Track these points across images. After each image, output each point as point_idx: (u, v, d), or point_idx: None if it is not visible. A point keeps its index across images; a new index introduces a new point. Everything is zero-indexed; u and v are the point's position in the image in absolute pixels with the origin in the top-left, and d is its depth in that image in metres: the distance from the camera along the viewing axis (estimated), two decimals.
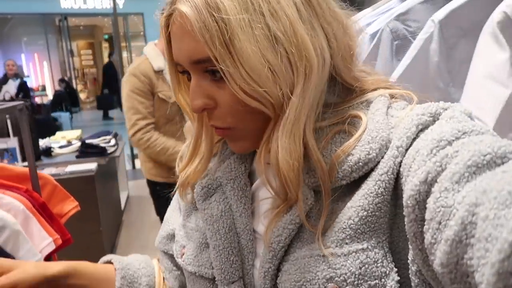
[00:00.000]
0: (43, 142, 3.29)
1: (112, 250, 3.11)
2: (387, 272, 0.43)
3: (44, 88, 10.98)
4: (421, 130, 0.44)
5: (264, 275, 0.49)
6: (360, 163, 0.45)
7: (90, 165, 2.92)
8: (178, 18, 0.45)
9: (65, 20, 11.21)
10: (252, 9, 0.43)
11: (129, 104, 1.76)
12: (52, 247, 0.99)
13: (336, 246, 0.45)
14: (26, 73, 10.63)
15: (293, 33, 0.44)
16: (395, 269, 0.44)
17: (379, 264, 0.43)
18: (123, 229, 3.72)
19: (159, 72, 1.82)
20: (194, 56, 0.46)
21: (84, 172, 2.83)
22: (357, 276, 0.43)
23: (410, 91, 0.52)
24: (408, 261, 0.43)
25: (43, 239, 0.96)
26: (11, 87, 6.58)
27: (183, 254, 0.59)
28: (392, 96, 0.52)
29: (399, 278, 0.43)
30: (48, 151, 3.18)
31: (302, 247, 0.48)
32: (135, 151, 5.75)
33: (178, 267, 0.68)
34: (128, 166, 5.34)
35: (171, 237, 0.67)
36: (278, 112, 0.47)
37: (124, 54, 10.22)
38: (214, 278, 0.55)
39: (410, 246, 0.42)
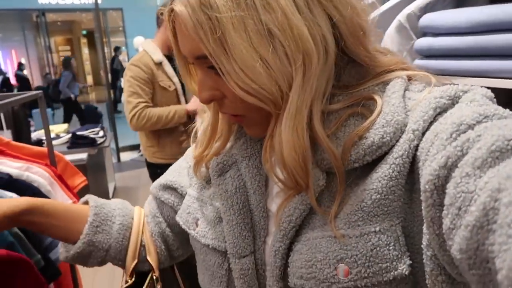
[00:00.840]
0: (34, 135, 3.46)
1: None
2: (399, 255, 0.43)
3: None
4: (440, 114, 0.43)
5: (275, 254, 0.50)
6: (374, 147, 0.45)
7: (81, 155, 3.13)
8: (177, 16, 0.46)
9: (43, 16, 11.14)
10: (244, 4, 0.42)
11: (132, 90, 1.98)
12: None
13: (348, 228, 0.45)
14: (4, 69, 10.53)
15: (288, 26, 0.42)
16: (408, 253, 0.43)
17: (391, 247, 0.43)
18: None
19: (159, 64, 2.06)
20: (195, 52, 0.47)
21: (76, 161, 3.02)
22: (368, 257, 0.43)
23: (429, 73, 0.51)
24: (423, 246, 0.42)
25: (66, 201, 1.19)
26: None
27: (197, 227, 0.59)
28: (409, 78, 0.51)
29: (411, 262, 0.43)
30: (39, 143, 3.35)
31: (315, 228, 0.48)
32: (120, 144, 5.92)
33: (162, 214, 0.70)
34: (114, 159, 5.51)
35: (168, 188, 0.69)
36: (279, 106, 0.46)
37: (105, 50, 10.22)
38: (226, 251, 0.55)
39: (426, 231, 0.41)
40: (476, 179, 0.34)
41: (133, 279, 0.67)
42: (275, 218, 0.51)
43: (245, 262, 0.53)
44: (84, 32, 14.57)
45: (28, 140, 3.39)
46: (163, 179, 0.70)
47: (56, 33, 14.02)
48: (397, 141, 0.44)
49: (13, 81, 9.90)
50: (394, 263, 0.43)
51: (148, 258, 0.68)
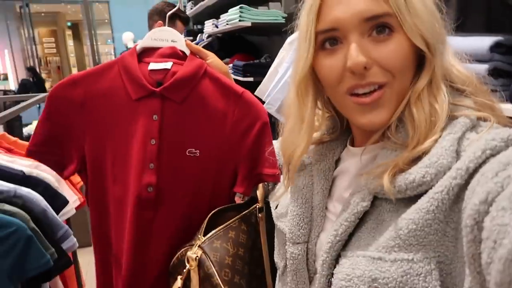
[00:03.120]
0: (25, 130, 3.49)
1: None
2: (429, 287, 0.44)
3: (6, 77, 10.73)
4: (492, 156, 0.44)
5: (322, 263, 0.56)
6: (414, 184, 0.47)
7: None
8: None
9: (27, 7, 10.96)
10: None
11: None
12: (77, 203, 1.31)
13: (386, 252, 0.48)
14: None
15: (437, 7, 0.53)
16: None
17: (421, 278, 0.45)
18: None
19: None
20: (369, 12, 0.51)
21: None
22: (398, 283, 0.45)
23: (502, 116, 0.52)
24: None
25: (71, 196, 1.28)
26: None
27: (276, 208, 0.72)
28: (480, 119, 0.52)
29: None
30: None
31: (359, 247, 0.52)
32: None
33: None
34: None
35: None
36: (432, 56, 0.53)
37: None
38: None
39: (467, 271, 0.41)
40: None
41: (244, 201, 0.90)
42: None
43: (297, 248, 0.61)
44: (69, 24, 14.34)
45: (20, 135, 3.42)
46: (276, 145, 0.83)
47: (40, 24, 13.77)
48: (439, 180, 0.46)
49: None
50: None
51: (257, 191, 0.86)
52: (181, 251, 0.81)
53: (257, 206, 0.86)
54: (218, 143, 0.84)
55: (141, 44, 0.85)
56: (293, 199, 0.64)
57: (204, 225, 0.81)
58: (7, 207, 0.96)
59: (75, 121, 0.83)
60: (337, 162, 0.65)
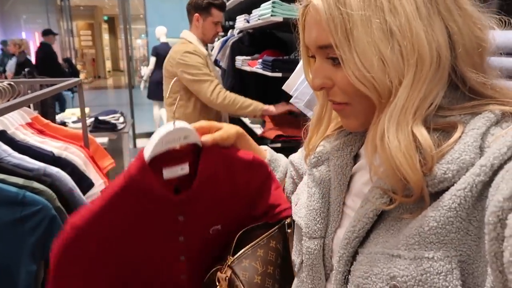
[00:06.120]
0: (58, 118, 3.60)
1: None
2: (450, 287, 0.43)
3: None
4: None
5: (339, 260, 0.55)
6: (436, 180, 0.46)
7: (102, 139, 3.26)
8: (311, 9, 0.53)
9: (67, 0, 11.35)
10: (374, 5, 0.47)
11: (202, 71, 2.13)
12: (103, 187, 1.34)
13: (405, 249, 0.46)
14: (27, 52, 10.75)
15: (408, 29, 0.46)
16: None
17: (441, 277, 0.43)
18: None
19: (206, 56, 2.21)
20: (320, 42, 0.53)
21: None
22: (417, 281, 0.44)
23: None
24: None
25: (97, 180, 1.31)
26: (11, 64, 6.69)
27: (296, 205, 0.70)
28: (505, 114, 0.49)
29: None
30: (63, 125, 3.50)
31: (378, 244, 0.51)
32: (137, 130, 6.07)
33: (293, 178, 0.85)
34: (130, 145, 5.67)
35: (293, 164, 0.83)
36: (384, 99, 0.49)
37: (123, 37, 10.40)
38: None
39: (489, 270, 0.40)
40: None
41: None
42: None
43: (314, 243, 0.61)
44: (106, 18, 14.74)
45: (53, 122, 3.54)
46: (293, 156, 0.85)
47: (78, 17, 14.22)
48: (461, 177, 0.45)
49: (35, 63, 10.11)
50: None
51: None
52: (212, 271, 0.82)
53: (286, 222, 0.84)
54: (237, 212, 0.85)
55: (152, 150, 0.71)
56: (309, 194, 0.64)
57: (233, 245, 0.81)
58: (36, 184, 1.00)
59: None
60: (356, 158, 0.63)
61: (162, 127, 0.72)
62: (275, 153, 0.92)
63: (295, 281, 0.70)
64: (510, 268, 0.35)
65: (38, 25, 11.59)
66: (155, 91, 5.50)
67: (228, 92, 2.17)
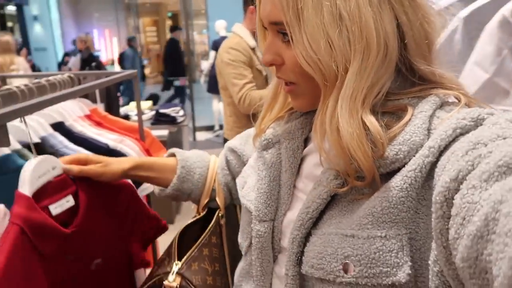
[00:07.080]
0: (122, 110, 3.75)
1: (178, 211, 3.53)
2: (400, 263, 0.45)
3: (113, 63, 11.77)
4: (462, 134, 0.44)
5: (292, 241, 0.55)
6: (387, 161, 0.47)
7: (163, 132, 3.33)
8: None
9: None
10: None
11: (237, 71, 2.09)
12: None
13: (359, 229, 0.48)
14: (97, 48, 11.40)
15: (358, 15, 0.46)
16: (410, 263, 0.45)
17: (393, 254, 0.45)
18: None
19: (253, 49, 2.15)
20: (271, 18, 0.52)
21: (158, 137, 3.21)
22: (370, 259, 0.46)
23: (473, 98, 0.52)
24: (430, 262, 0.44)
25: None
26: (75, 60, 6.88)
27: (243, 187, 0.69)
28: (447, 98, 0.51)
29: (410, 272, 0.45)
30: (127, 118, 3.62)
31: (331, 225, 0.52)
32: (197, 123, 6.19)
33: (229, 169, 0.85)
34: (190, 138, 5.79)
35: (233, 151, 0.84)
36: (329, 83, 0.49)
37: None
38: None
39: (434, 245, 0.43)
40: (482, 191, 0.35)
41: (203, 213, 0.86)
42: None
43: (264, 225, 0.61)
44: (169, 14, 15.22)
45: (117, 115, 3.68)
46: (233, 143, 0.86)
47: (144, 14, 14.81)
48: (412, 157, 0.47)
49: (105, 59, 10.70)
50: (394, 269, 0.45)
51: (217, 199, 0.86)
52: (152, 281, 0.77)
53: (219, 214, 0.84)
54: (113, 241, 0.85)
55: (29, 188, 0.68)
56: (260, 177, 0.63)
57: (174, 250, 0.78)
58: None
59: None
60: (306, 141, 0.63)
61: (26, 165, 0.70)
62: (191, 156, 0.89)
63: (242, 263, 0.70)
64: (454, 244, 0.37)
65: (108, 23, 12.27)
66: (215, 85, 5.52)
67: (253, 91, 2.07)
